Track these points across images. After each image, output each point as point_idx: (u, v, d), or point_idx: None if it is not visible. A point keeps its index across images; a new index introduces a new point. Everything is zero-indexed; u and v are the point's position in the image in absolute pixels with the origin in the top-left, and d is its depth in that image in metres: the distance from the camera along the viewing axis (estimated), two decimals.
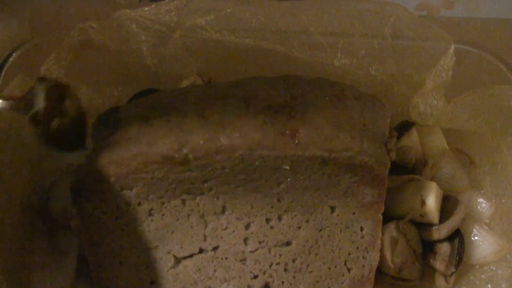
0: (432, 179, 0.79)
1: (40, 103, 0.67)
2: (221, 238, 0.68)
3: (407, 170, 0.80)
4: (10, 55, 0.77)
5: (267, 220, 0.68)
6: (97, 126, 0.72)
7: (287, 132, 0.65)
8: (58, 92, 0.69)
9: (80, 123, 0.71)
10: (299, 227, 0.69)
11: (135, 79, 0.85)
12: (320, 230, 0.69)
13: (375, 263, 0.71)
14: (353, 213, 0.69)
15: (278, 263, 0.70)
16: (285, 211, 0.68)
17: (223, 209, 0.67)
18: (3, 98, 0.67)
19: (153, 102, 0.72)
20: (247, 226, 0.68)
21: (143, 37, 0.81)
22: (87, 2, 0.89)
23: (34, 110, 0.66)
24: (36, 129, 0.66)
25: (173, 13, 0.81)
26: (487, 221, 0.79)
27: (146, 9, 0.80)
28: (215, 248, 0.68)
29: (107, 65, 0.83)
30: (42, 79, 0.69)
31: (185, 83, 0.84)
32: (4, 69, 0.76)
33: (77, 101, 0.71)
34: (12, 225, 0.74)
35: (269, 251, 0.69)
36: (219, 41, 0.83)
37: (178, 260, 0.69)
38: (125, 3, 0.85)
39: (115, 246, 0.69)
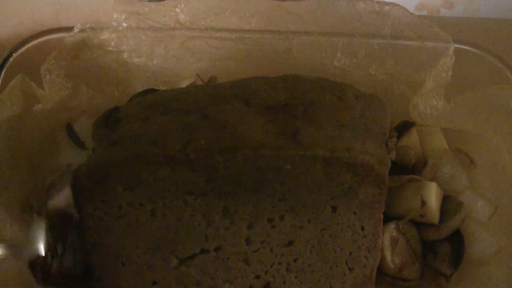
0: (432, 179, 0.79)
1: (41, 244, 0.67)
2: (223, 238, 0.68)
3: (407, 170, 0.80)
4: (10, 55, 0.77)
5: (269, 220, 0.68)
6: (97, 126, 0.72)
7: (289, 132, 0.65)
8: (60, 224, 0.69)
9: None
10: (301, 227, 0.68)
11: (135, 79, 0.85)
12: (322, 230, 0.69)
13: (377, 263, 0.71)
14: (354, 213, 0.69)
15: (280, 263, 0.69)
16: (286, 211, 0.67)
17: (225, 209, 0.67)
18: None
19: (153, 102, 0.72)
20: (249, 226, 0.68)
21: (143, 37, 0.82)
22: (87, 2, 0.89)
23: (33, 255, 0.66)
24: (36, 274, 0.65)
25: (173, 13, 0.81)
26: (487, 221, 0.79)
27: (146, 9, 0.80)
28: (217, 248, 0.68)
29: (107, 65, 0.83)
30: (42, 213, 0.70)
31: (185, 83, 0.84)
32: (4, 69, 0.76)
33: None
34: (12, 225, 0.74)
35: (271, 251, 0.69)
36: (219, 41, 0.83)
37: (180, 261, 0.69)
38: (126, 3, 0.85)
39: (117, 246, 0.68)
